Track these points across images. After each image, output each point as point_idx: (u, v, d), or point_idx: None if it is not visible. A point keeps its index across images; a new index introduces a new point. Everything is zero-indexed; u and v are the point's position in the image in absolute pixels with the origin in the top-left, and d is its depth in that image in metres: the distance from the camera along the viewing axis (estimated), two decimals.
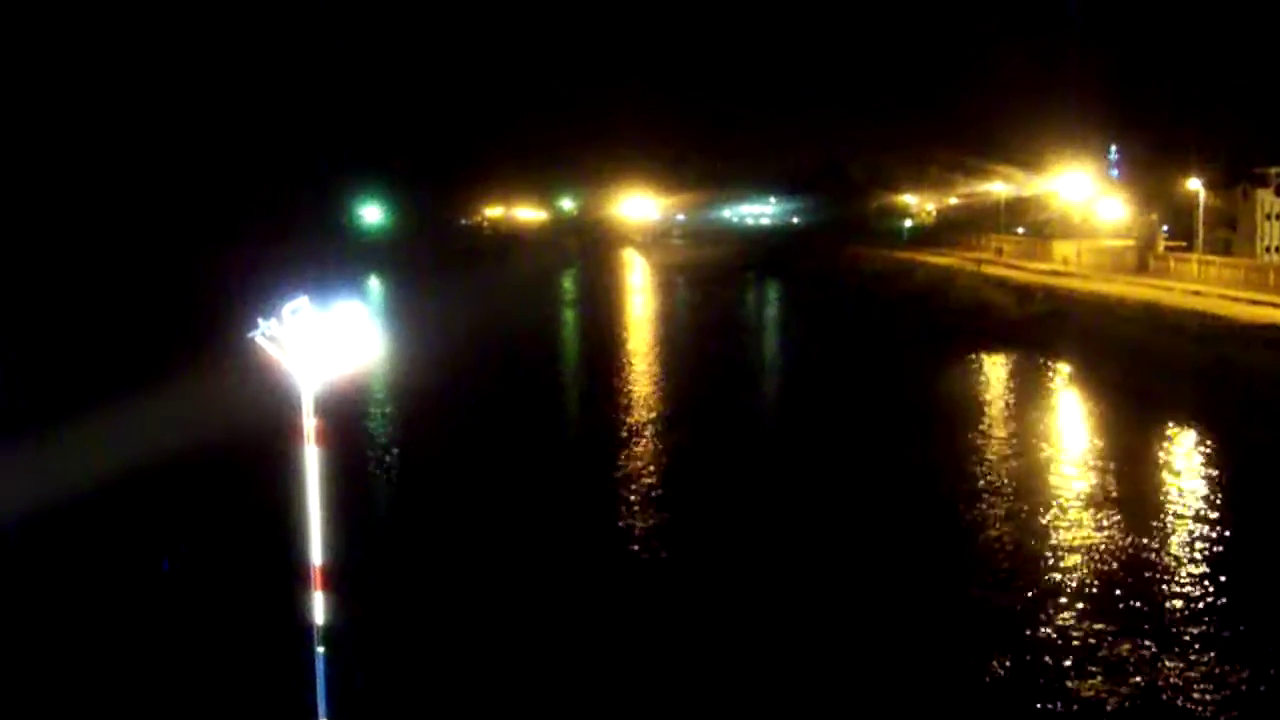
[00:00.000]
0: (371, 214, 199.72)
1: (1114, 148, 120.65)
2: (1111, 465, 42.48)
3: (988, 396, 58.67)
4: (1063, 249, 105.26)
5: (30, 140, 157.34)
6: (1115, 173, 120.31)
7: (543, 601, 28.99)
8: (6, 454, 40.13)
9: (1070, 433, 49.61)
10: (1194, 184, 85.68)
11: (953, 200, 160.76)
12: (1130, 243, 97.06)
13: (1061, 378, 61.84)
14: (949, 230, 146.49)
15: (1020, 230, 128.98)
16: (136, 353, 71.36)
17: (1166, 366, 54.92)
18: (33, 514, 33.59)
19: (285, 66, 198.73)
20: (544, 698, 23.94)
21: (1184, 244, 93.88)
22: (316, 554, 16.72)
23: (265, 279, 72.99)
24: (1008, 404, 56.69)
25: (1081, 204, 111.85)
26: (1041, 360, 65.44)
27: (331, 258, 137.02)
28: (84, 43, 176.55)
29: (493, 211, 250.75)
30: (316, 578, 16.77)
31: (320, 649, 16.96)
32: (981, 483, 40.67)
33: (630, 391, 61.84)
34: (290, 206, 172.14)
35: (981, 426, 50.19)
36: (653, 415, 54.52)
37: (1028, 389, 59.19)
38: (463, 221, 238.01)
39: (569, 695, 24.11)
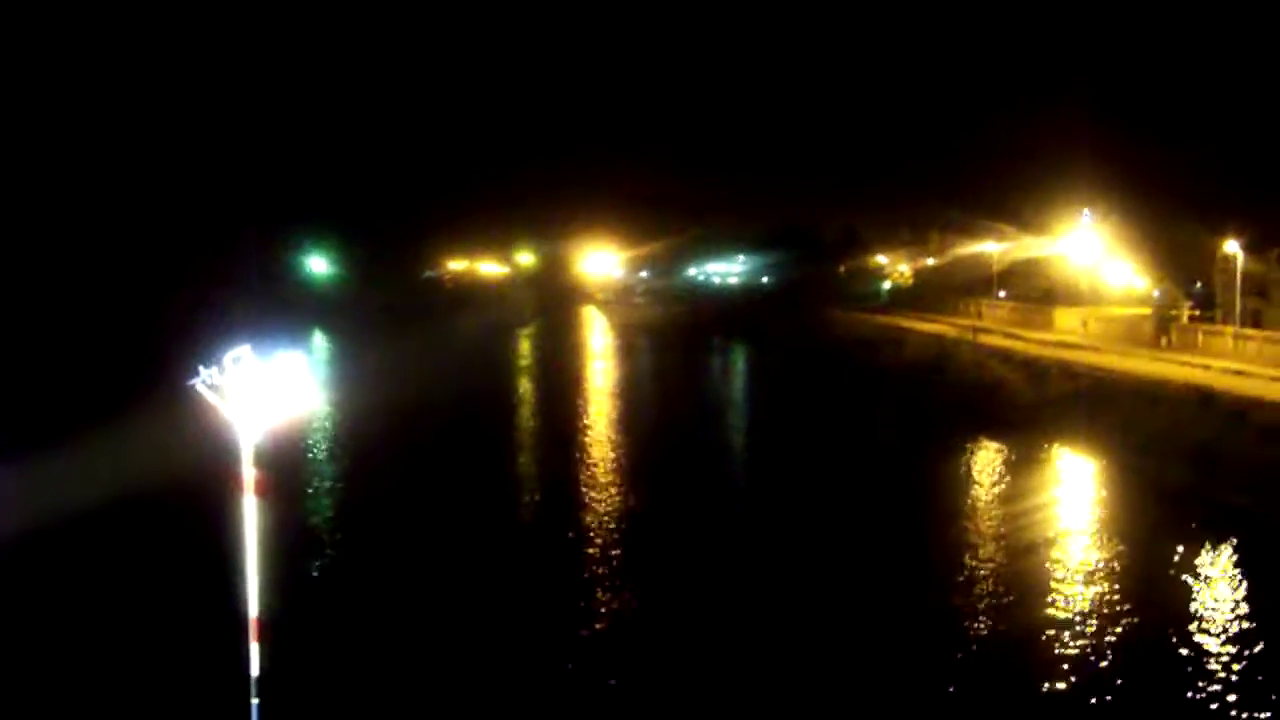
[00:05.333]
0: (318, 265, 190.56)
1: (1086, 210, 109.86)
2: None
3: (1024, 511, 46.01)
4: (1066, 317, 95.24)
5: None
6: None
7: (480, 653, 29.21)
8: None
9: (1161, 577, 36.83)
10: (1231, 246, 75.60)
11: (930, 261, 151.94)
12: (1146, 312, 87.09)
13: (1120, 488, 49.68)
14: (930, 294, 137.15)
15: (1001, 294, 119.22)
16: (73, 400, 69.61)
17: (1251, 473, 44.26)
18: None
19: (235, 111, 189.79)
20: None
21: (1197, 312, 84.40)
22: (254, 605, 16.68)
23: (206, 327, 72.92)
24: (1052, 526, 44.18)
25: (1083, 269, 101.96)
26: (1085, 461, 54.86)
27: (275, 308, 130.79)
28: (20, 78, 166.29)
29: (456, 265, 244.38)
30: (253, 629, 16.72)
31: (255, 700, 16.97)
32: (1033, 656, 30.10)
33: (580, 476, 53.17)
34: (233, 255, 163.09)
35: (1025, 559, 39.19)
36: (605, 514, 44.82)
37: (1076, 504, 48.22)
38: (426, 274, 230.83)
39: None
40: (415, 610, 32.93)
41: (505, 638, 30.62)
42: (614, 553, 39.69)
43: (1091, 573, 36.96)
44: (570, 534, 42.25)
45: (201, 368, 15.92)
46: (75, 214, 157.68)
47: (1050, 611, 33.04)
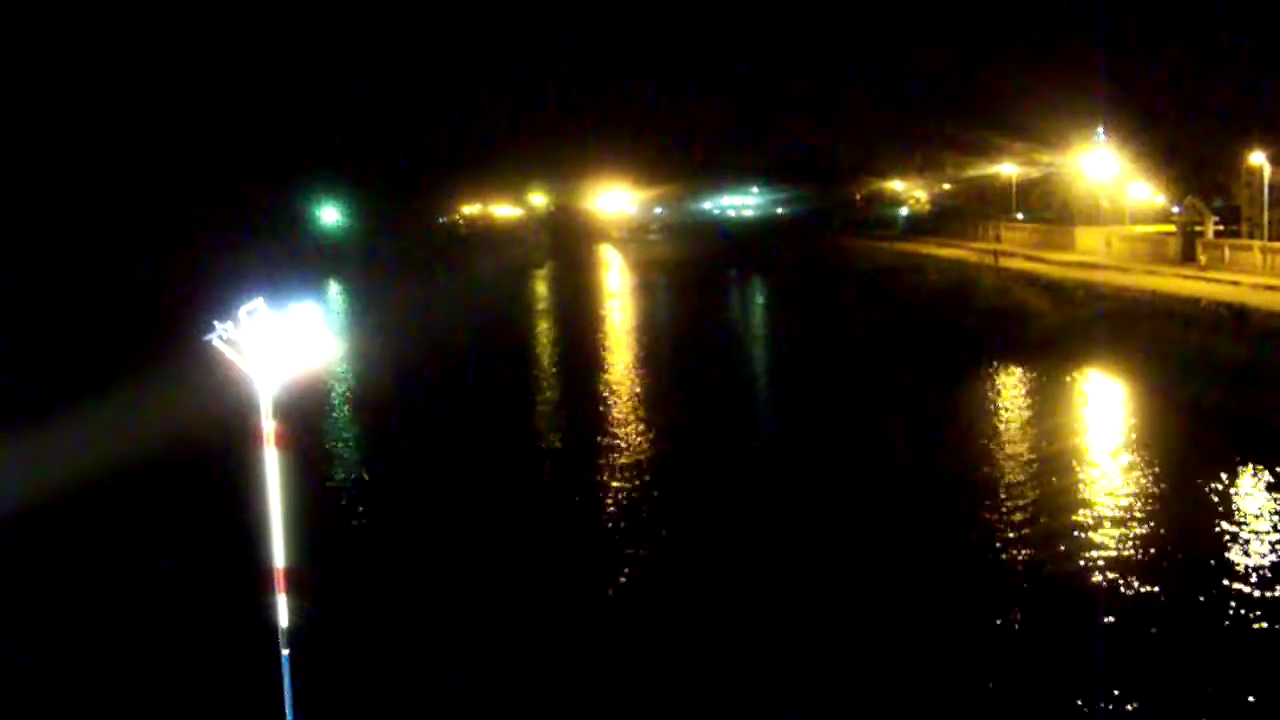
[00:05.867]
0: (329, 215, 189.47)
1: (1101, 129, 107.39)
2: None
3: (1057, 438, 45.08)
4: (1087, 237, 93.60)
5: None
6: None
7: (508, 602, 28.98)
8: None
9: (1200, 502, 35.67)
10: (1256, 158, 73.99)
11: (946, 186, 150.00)
12: (1170, 229, 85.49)
13: (1154, 412, 47.80)
14: (948, 218, 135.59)
15: (1020, 217, 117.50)
16: (91, 357, 69.59)
17: None
18: None
19: (241, 61, 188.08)
20: (511, 697, 24.04)
21: (1222, 227, 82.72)
22: (279, 556, 16.73)
23: (220, 281, 71.00)
24: (1085, 452, 43.13)
25: (1102, 186, 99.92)
26: (1117, 384, 53.56)
27: (288, 260, 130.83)
28: (27, 38, 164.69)
29: (470, 209, 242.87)
30: (280, 580, 16.81)
31: (285, 651, 16.91)
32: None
33: (606, 414, 52.42)
34: (245, 208, 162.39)
35: (1059, 487, 38.32)
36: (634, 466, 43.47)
37: (1110, 429, 46.98)
38: (440, 220, 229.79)
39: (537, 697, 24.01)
40: (442, 558, 32.81)
41: (535, 586, 30.30)
42: (644, 492, 39.18)
43: (1127, 501, 36.00)
44: (597, 474, 41.73)
45: (216, 322, 15.80)
46: (83, 171, 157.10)
47: (1086, 537, 32.22)
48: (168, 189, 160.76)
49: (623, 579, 30.96)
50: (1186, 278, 67.82)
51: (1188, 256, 77.95)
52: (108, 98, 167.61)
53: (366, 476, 44.10)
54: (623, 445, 46.52)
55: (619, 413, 53.71)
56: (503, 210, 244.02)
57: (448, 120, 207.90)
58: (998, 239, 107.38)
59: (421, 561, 32.59)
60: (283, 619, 16.89)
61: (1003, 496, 37.01)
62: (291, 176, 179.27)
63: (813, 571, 30.36)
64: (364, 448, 50.06)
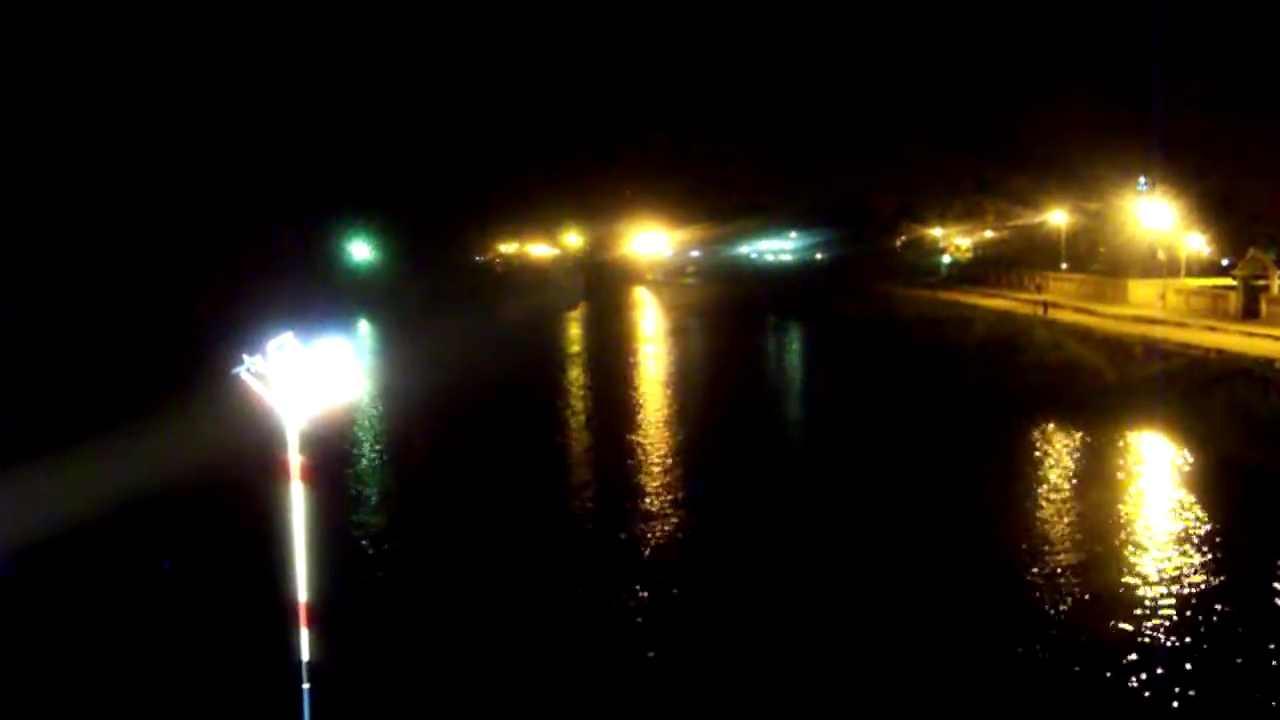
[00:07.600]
0: (361, 251, 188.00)
1: (1144, 179, 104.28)
2: None
3: (1126, 514, 41.60)
4: (1141, 290, 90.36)
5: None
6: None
7: (525, 633, 28.87)
8: None
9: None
10: None
11: (989, 234, 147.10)
12: (1229, 282, 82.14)
13: (1229, 487, 43.66)
14: (991, 267, 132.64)
15: (1064, 266, 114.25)
16: (118, 388, 69.00)
17: None
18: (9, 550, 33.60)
19: (273, 97, 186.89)
20: None
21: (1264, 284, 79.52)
22: (302, 590, 16.74)
23: (249, 316, 70.09)
24: (1155, 532, 39.61)
25: (1153, 237, 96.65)
26: (1187, 453, 49.34)
27: (317, 295, 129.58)
28: (54, 66, 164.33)
29: (506, 248, 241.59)
30: (302, 614, 16.82)
31: (306, 685, 17.01)
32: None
33: (637, 464, 50.44)
34: (276, 243, 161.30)
35: (1125, 573, 35.11)
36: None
37: (1181, 505, 42.96)
38: (476, 258, 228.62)
39: None
40: (466, 597, 32.48)
41: (557, 627, 29.98)
42: (673, 553, 37.23)
43: (1202, 594, 32.58)
44: (628, 527, 40.08)
45: (245, 355, 16.00)
46: (112, 204, 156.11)
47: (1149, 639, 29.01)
48: (198, 224, 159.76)
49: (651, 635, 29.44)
50: (1251, 335, 64.53)
51: (1250, 312, 74.70)
52: (142, 133, 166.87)
53: (391, 514, 43.51)
54: (657, 499, 43.93)
55: (654, 459, 51.40)
56: (539, 250, 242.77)
57: (484, 158, 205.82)
58: (1038, 289, 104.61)
59: (445, 599, 32.26)
60: (304, 653, 17.10)
61: (1056, 580, 33.94)
62: (323, 212, 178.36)
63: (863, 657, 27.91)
64: (389, 485, 49.48)
